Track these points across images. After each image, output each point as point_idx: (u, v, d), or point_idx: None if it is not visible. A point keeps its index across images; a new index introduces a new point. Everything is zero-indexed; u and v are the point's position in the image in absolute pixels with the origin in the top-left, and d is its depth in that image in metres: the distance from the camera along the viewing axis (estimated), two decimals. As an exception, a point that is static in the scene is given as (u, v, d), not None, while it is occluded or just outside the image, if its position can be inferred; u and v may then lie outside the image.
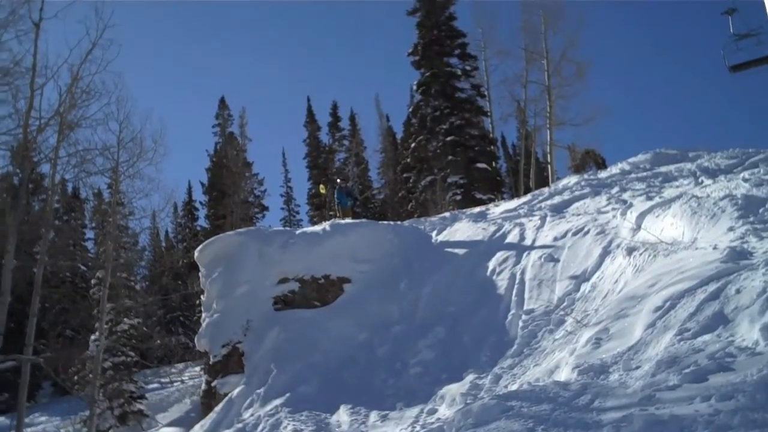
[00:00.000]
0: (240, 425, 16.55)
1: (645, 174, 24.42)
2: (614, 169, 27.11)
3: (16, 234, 21.19)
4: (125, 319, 31.59)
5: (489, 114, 46.22)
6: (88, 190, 41.49)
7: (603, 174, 27.06)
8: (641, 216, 17.53)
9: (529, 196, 28.30)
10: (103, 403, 28.56)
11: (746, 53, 17.44)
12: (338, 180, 34.56)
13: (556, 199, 24.71)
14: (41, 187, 36.08)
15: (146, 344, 36.64)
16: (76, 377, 30.47)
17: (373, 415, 14.82)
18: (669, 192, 19.87)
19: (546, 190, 28.35)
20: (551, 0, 40.54)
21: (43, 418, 31.55)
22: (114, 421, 28.77)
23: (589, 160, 32.87)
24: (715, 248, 12.24)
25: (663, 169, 24.28)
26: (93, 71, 24.32)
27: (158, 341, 40.20)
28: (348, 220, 26.84)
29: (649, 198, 19.69)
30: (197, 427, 19.51)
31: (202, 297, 24.40)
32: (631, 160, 27.21)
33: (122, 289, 33.12)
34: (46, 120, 23.84)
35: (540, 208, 24.12)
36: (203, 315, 23.52)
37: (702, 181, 20.33)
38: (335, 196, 29.60)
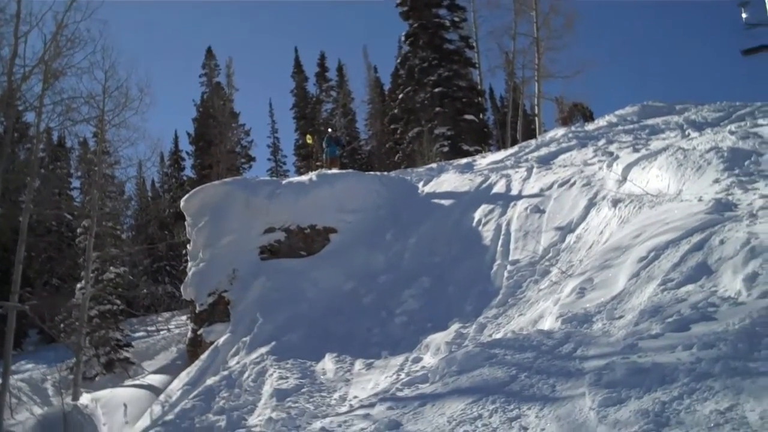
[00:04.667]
0: (226, 372, 16.68)
1: (632, 126, 24.36)
2: (601, 122, 27.03)
3: (0, 182, 21.07)
4: (111, 268, 31.43)
5: (477, 66, 46.04)
6: (73, 139, 41.49)
7: (590, 126, 26.98)
8: (627, 168, 17.51)
9: (516, 148, 28.24)
10: (90, 350, 28.52)
11: (756, 39, 17.93)
12: (328, 129, 34.31)
13: (543, 151, 24.67)
14: (26, 136, 35.86)
15: (132, 293, 36.62)
16: (62, 325, 30.46)
17: (358, 364, 14.93)
18: (655, 144, 19.83)
19: (533, 142, 28.28)
20: (541, -51, 40.06)
21: (29, 366, 31.43)
22: (100, 368, 28.69)
23: (577, 113, 32.70)
24: (700, 200, 12.25)
25: (650, 121, 24.23)
26: (78, 19, 24.09)
27: (144, 290, 40.21)
28: (335, 171, 26.76)
29: (636, 150, 19.65)
30: (183, 374, 19.62)
31: (188, 246, 24.46)
32: (618, 112, 27.12)
33: (108, 238, 33.00)
34: (30, 68, 23.65)
35: (527, 160, 24.09)
36: (189, 264, 23.62)
37: (689, 134, 20.27)
38: (324, 144, 29.48)
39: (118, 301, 31.07)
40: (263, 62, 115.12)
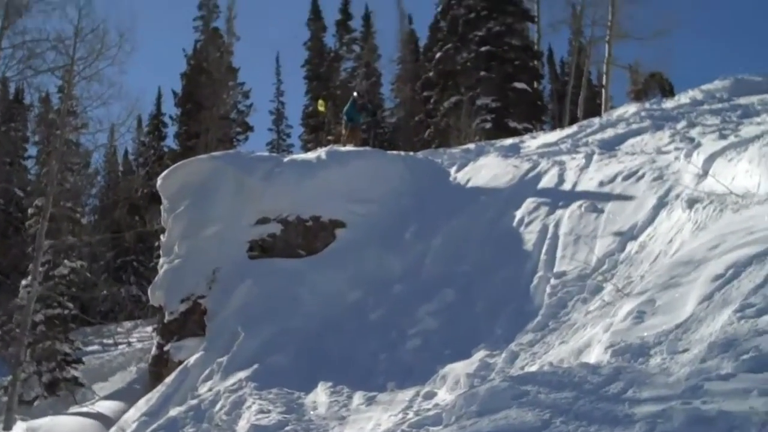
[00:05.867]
0: (194, 402, 16.63)
1: (720, 106, 24.23)
2: (683, 98, 26.96)
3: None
4: (66, 261, 31.51)
5: (536, 20, 45.91)
6: (33, 94, 41.59)
7: (669, 104, 26.89)
8: (710, 159, 17.36)
9: (575, 128, 28.20)
10: (30, 366, 28.55)
11: None
12: (354, 93, 34.45)
13: (608, 133, 24.59)
14: (-25, 86, 36.05)
15: (89, 294, 36.62)
16: (-1, 331, 30.68)
17: (358, 397, 14.87)
18: (747, 130, 19.66)
19: (596, 120, 28.24)
20: None
21: (-47, 381, 31.55)
22: (41, 389, 28.69)
23: (654, 86, 32.62)
24: (796, 205, 12.15)
25: (743, 100, 24.09)
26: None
27: (104, 291, 40.15)
28: (350, 147, 26.66)
29: (723, 136, 19.52)
30: (142, 401, 19.61)
31: (162, 237, 24.43)
32: (704, 87, 27.06)
33: (65, 222, 33.11)
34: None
35: (587, 144, 24.03)
36: (161, 260, 23.66)
37: (791, 118, 20.15)
38: (347, 107, 29.24)
39: (71, 305, 31.14)
40: (273, 6, 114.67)
